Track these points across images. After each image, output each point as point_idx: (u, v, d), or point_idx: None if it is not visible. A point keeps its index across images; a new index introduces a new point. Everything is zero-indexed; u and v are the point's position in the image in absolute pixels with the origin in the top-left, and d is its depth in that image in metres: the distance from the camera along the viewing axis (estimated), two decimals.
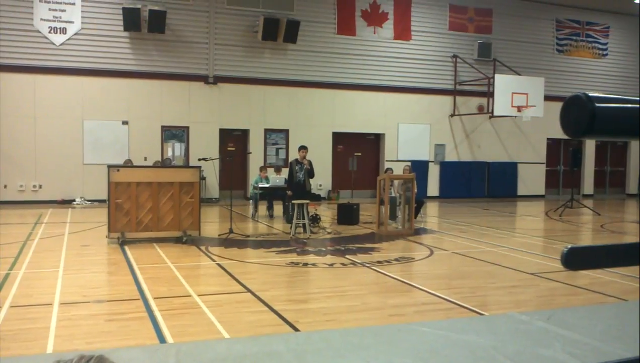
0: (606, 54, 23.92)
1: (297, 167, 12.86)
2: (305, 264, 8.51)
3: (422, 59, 20.88)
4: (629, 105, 0.92)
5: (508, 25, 22.03)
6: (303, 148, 13.07)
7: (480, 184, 21.93)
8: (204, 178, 16.31)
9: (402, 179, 12.65)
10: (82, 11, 17.12)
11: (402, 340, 4.79)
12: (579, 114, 0.88)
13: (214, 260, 8.68)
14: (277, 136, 19.48)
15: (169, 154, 18.40)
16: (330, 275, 7.83)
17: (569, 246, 1.03)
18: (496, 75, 20.01)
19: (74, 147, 17.25)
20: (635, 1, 20.88)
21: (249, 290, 6.69)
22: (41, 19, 16.79)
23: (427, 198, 17.77)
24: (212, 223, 12.95)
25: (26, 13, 16.66)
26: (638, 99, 0.93)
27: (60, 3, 16.91)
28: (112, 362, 1.28)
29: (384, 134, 20.77)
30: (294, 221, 11.40)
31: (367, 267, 8.29)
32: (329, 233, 11.88)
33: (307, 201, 11.87)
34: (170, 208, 10.13)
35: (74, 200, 17.07)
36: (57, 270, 7.70)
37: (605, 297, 6.63)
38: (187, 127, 18.46)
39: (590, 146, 23.81)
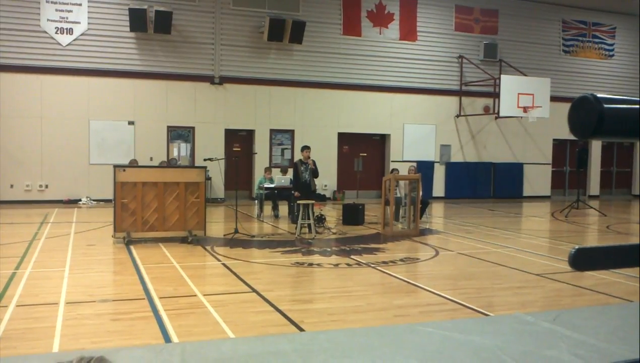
0: (612, 55, 23.84)
1: (302, 167, 12.85)
2: (311, 264, 8.52)
3: (428, 60, 20.85)
4: (637, 106, 0.92)
5: (514, 25, 21.98)
6: (306, 148, 13.04)
7: (485, 185, 21.89)
8: (209, 178, 16.34)
9: (407, 179, 12.63)
10: (88, 12, 17.17)
11: (407, 341, 4.78)
12: (587, 115, 0.88)
13: (219, 260, 8.70)
14: (282, 136, 19.49)
15: (175, 154, 18.42)
16: (335, 276, 7.83)
17: (577, 247, 1.03)
18: (502, 76, 19.95)
19: (80, 147, 17.30)
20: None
21: (254, 290, 6.70)
22: (48, 20, 16.85)
23: (432, 199, 17.74)
24: (217, 223, 12.97)
25: (33, 14, 16.73)
26: None
27: (67, 4, 16.97)
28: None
29: (389, 135, 20.75)
30: (299, 221, 11.41)
31: (373, 267, 8.29)
32: (334, 233, 11.88)
33: (313, 201, 11.87)
34: (176, 208, 10.15)
35: (80, 200, 17.13)
36: (63, 269, 7.73)
37: (610, 297, 6.61)
38: (193, 127, 18.49)
39: (596, 147, 23.71)
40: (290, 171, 16.33)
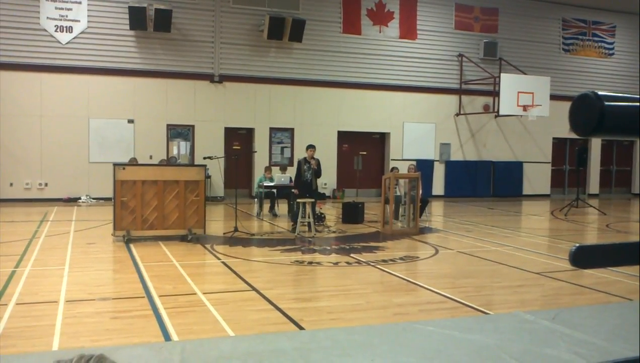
0: (612, 54, 23.83)
1: (305, 166, 12.72)
2: (310, 263, 8.52)
3: (428, 58, 20.84)
4: (638, 104, 0.91)
5: (514, 24, 21.97)
6: (311, 147, 12.88)
7: (485, 183, 21.89)
8: (209, 176, 16.33)
9: (407, 178, 12.63)
10: (88, 10, 17.15)
11: (407, 339, 4.78)
12: (588, 113, 0.88)
13: (219, 259, 8.70)
14: (282, 135, 19.48)
15: (175, 152, 18.43)
16: (335, 274, 7.84)
17: (577, 244, 1.03)
18: (502, 75, 19.94)
19: (80, 145, 17.30)
20: None
21: (253, 289, 6.70)
22: (47, 18, 16.83)
23: (432, 198, 17.74)
24: (217, 222, 12.97)
25: (32, 12, 16.71)
26: None
27: (67, 2, 16.95)
28: (112, 361, 1.27)
29: (389, 133, 20.74)
30: (299, 219, 11.40)
31: (372, 265, 8.29)
32: (333, 232, 11.88)
33: (313, 199, 11.86)
34: (176, 207, 10.15)
35: (80, 198, 17.12)
36: (62, 267, 7.73)
37: (610, 296, 6.61)
38: (193, 126, 18.48)
39: (596, 145, 23.72)
40: (290, 169, 16.33)
